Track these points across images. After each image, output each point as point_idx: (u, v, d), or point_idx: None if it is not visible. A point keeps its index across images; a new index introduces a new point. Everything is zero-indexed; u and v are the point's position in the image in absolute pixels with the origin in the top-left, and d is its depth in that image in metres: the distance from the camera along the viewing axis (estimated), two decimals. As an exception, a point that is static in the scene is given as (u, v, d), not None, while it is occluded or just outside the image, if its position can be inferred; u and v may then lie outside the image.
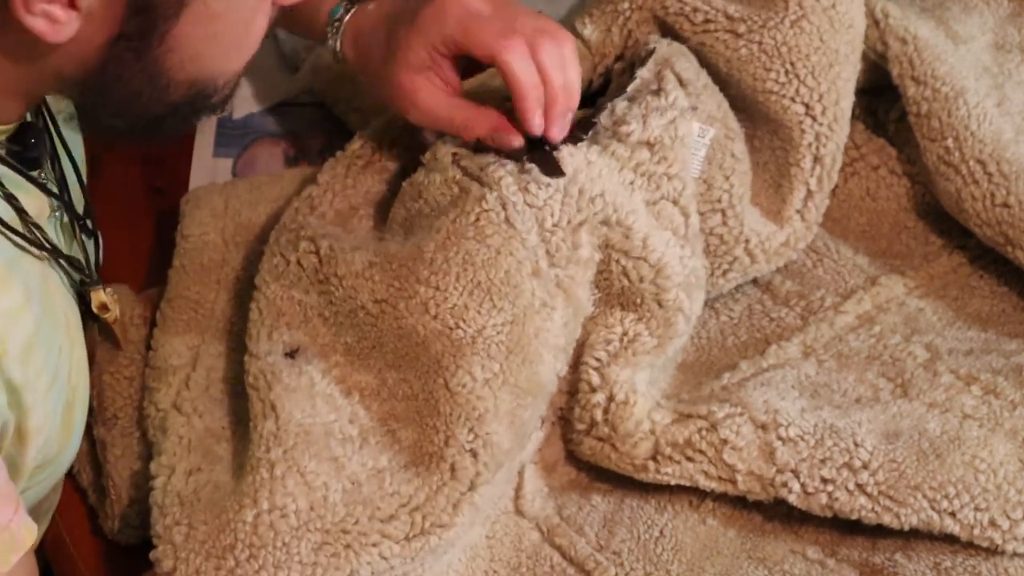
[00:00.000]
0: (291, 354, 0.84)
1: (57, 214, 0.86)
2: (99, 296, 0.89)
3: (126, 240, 1.03)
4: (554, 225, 0.84)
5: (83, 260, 0.88)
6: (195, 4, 0.71)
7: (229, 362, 0.90)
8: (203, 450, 0.85)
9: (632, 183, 0.87)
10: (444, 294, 0.82)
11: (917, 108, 0.96)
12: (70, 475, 0.92)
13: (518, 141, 0.85)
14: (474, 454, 0.80)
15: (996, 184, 0.93)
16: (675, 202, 0.88)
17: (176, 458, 0.84)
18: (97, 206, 0.97)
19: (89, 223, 0.89)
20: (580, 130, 0.88)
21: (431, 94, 0.88)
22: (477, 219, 0.83)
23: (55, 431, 0.82)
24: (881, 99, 1.01)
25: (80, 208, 0.89)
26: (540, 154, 0.86)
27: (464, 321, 0.81)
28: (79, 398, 0.85)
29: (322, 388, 0.83)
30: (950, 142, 0.95)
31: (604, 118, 0.88)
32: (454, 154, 0.87)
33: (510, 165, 0.85)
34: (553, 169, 0.85)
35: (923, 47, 0.96)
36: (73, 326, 0.85)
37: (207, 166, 1.09)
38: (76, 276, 0.87)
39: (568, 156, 0.85)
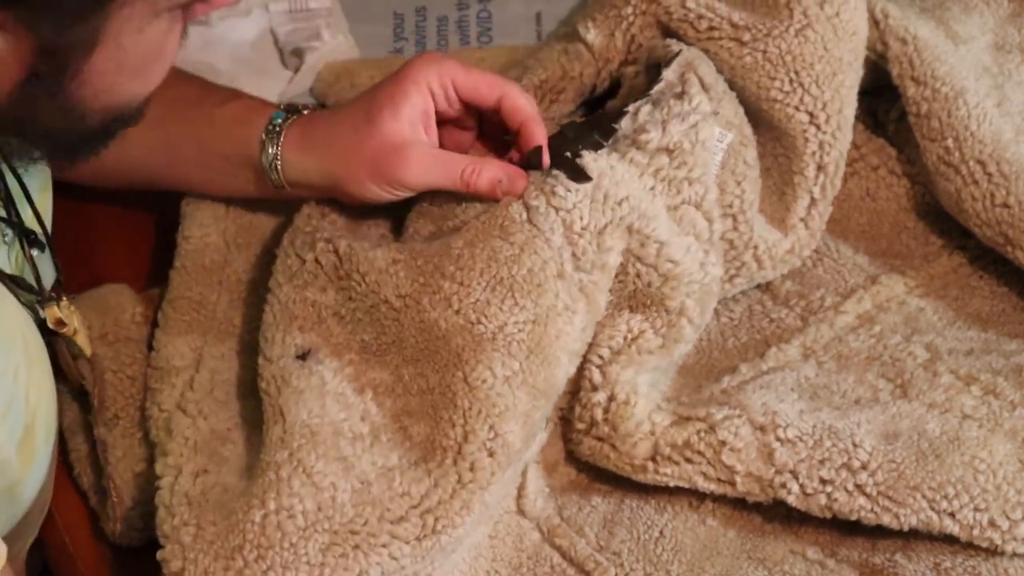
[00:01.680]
0: (303, 356, 0.84)
1: (6, 238, 0.84)
2: (53, 312, 0.86)
3: (126, 241, 1.03)
4: (582, 228, 0.84)
5: (34, 279, 0.86)
6: (108, 42, 0.69)
7: (232, 364, 0.90)
8: (209, 452, 0.85)
9: (653, 188, 0.87)
10: (468, 289, 0.82)
11: (917, 108, 0.96)
12: (71, 477, 0.92)
13: (524, 183, 0.86)
14: (491, 453, 0.80)
15: (996, 184, 0.93)
16: (698, 206, 0.88)
17: (183, 459, 0.84)
18: (98, 206, 0.97)
19: (41, 235, 0.87)
20: (601, 136, 0.88)
21: (423, 147, 0.87)
22: (502, 221, 0.84)
23: (13, 459, 0.80)
24: (881, 99, 1.01)
25: (36, 222, 0.87)
26: (564, 162, 0.86)
27: (486, 316, 0.82)
28: (40, 420, 0.82)
29: (333, 387, 0.83)
30: (950, 142, 0.95)
31: (626, 124, 0.88)
32: None
33: (533, 174, 0.86)
34: (579, 175, 0.85)
35: (923, 47, 0.96)
36: (32, 343, 0.82)
37: (207, 167, 1.08)
38: (25, 297, 0.84)
39: (592, 162, 0.85)
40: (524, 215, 0.84)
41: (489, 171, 0.86)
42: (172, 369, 0.90)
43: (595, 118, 0.89)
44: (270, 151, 0.90)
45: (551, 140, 0.87)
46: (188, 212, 0.98)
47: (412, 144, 0.87)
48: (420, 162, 0.87)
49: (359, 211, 0.93)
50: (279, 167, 0.90)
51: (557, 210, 0.84)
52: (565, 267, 0.84)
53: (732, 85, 0.95)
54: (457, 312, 0.82)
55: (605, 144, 0.87)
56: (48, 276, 0.88)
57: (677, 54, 0.93)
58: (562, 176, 0.85)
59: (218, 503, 0.81)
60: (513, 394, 0.81)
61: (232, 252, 0.96)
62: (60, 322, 0.87)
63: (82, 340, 0.91)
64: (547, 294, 0.83)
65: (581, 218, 0.84)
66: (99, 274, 0.99)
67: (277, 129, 0.90)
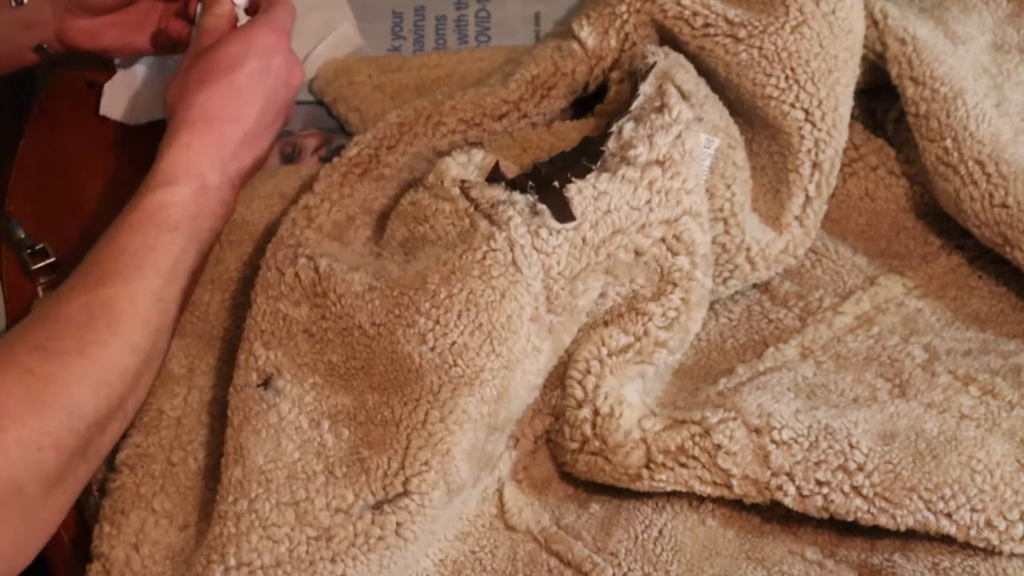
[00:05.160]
0: (264, 383, 0.84)
1: None
2: None
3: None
4: (558, 273, 0.84)
5: None
6: None
7: (218, 380, 0.90)
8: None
9: (649, 202, 0.87)
10: (444, 329, 0.82)
11: (916, 108, 0.96)
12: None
13: None
14: (448, 489, 0.81)
15: (995, 185, 0.93)
16: (696, 216, 0.89)
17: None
18: (93, 201, 0.96)
19: None
20: (589, 160, 0.87)
21: None
22: (483, 257, 0.83)
23: None
24: (880, 99, 1.01)
25: None
26: (550, 194, 0.85)
27: (463, 359, 0.82)
28: None
29: (290, 420, 0.83)
30: (949, 142, 0.94)
31: (611, 143, 0.88)
32: (463, 183, 0.87)
33: (521, 204, 0.85)
34: (564, 212, 0.85)
35: (922, 47, 0.96)
36: None
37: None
38: None
39: (576, 194, 0.85)
40: (509, 255, 0.83)
41: None
42: (171, 376, 0.90)
43: (581, 144, 0.89)
44: None
45: (539, 168, 0.86)
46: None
47: None
48: None
49: (348, 211, 0.93)
50: None
51: (539, 252, 0.84)
52: (540, 310, 0.84)
53: (727, 82, 0.95)
54: (432, 349, 0.82)
55: (593, 167, 0.87)
56: None
57: (652, 66, 0.93)
58: (547, 214, 0.84)
59: (167, 563, 0.82)
60: (476, 434, 0.82)
61: (224, 249, 0.95)
62: None
63: None
64: (520, 339, 0.83)
65: (558, 263, 0.84)
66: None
67: None
